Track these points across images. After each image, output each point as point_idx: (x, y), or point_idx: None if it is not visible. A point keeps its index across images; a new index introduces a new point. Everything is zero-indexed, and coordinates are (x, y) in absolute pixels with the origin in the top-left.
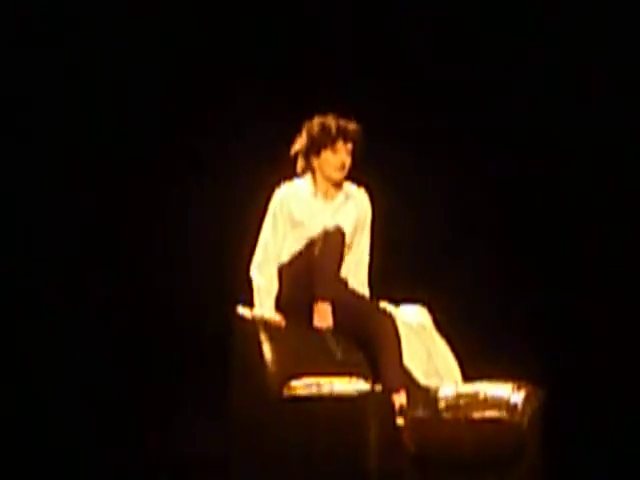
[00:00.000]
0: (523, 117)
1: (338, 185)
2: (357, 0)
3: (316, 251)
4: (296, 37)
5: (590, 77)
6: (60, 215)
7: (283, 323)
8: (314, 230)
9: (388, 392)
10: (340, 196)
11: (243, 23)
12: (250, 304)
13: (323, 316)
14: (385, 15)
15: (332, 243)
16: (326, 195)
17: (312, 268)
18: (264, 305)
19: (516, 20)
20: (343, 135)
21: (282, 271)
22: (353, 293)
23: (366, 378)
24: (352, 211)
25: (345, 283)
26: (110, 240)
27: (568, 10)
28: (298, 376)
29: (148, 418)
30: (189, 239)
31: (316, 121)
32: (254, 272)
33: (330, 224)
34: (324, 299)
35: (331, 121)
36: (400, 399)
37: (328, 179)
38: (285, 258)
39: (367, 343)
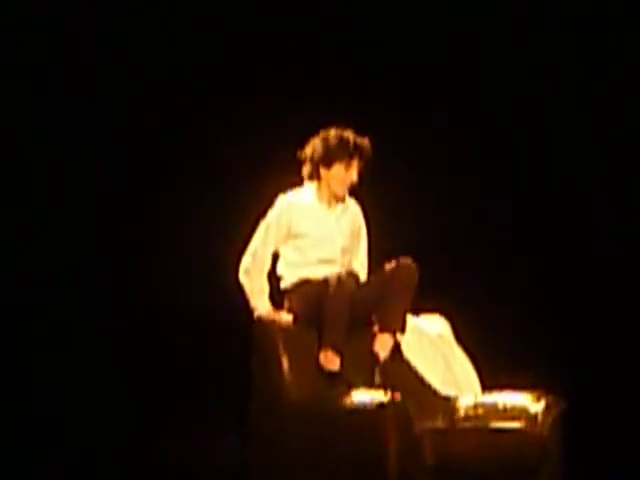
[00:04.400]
0: (527, 121)
1: (341, 198)
2: (357, 6)
3: (330, 292)
4: (298, 47)
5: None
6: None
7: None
8: (318, 238)
9: (386, 331)
10: (341, 204)
11: (252, 29)
12: (246, 307)
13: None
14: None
15: (344, 290)
16: (329, 203)
17: (323, 306)
18: (260, 307)
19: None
20: (359, 152)
21: (301, 286)
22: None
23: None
24: (350, 219)
25: (357, 278)
26: (129, 254)
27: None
28: (318, 387)
29: (168, 431)
30: (207, 255)
31: (335, 133)
32: (243, 277)
33: (334, 232)
34: (328, 347)
35: (350, 136)
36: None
37: (332, 192)
38: (284, 268)
39: (384, 289)
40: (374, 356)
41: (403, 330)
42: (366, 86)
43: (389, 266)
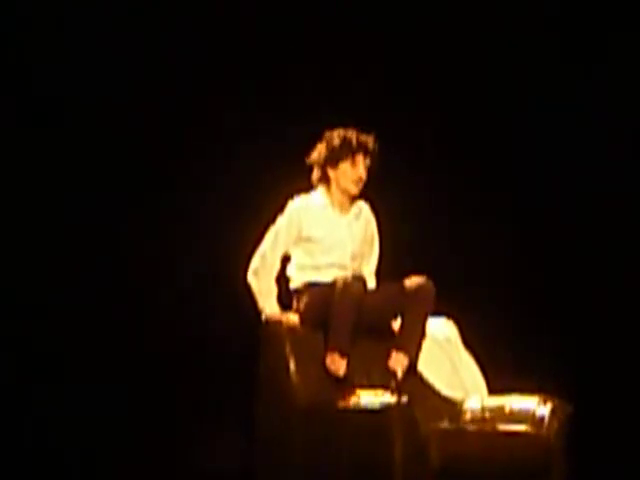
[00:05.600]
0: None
1: (352, 199)
2: (356, 5)
3: (336, 296)
4: (302, 48)
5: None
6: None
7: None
8: (328, 242)
9: (401, 351)
10: (354, 209)
11: (257, 30)
12: (254, 308)
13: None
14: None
15: (350, 294)
16: (341, 207)
17: (329, 309)
18: (268, 308)
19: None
20: (364, 149)
21: (309, 288)
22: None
23: (392, 391)
24: (362, 226)
25: (365, 284)
26: (133, 257)
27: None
28: (324, 388)
29: (172, 433)
30: (214, 256)
31: (337, 133)
32: (252, 278)
33: (345, 237)
34: (334, 351)
35: (352, 134)
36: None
37: (344, 192)
38: (294, 270)
39: (401, 305)
40: (391, 372)
41: (416, 358)
42: (369, 87)
43: (409, 283)
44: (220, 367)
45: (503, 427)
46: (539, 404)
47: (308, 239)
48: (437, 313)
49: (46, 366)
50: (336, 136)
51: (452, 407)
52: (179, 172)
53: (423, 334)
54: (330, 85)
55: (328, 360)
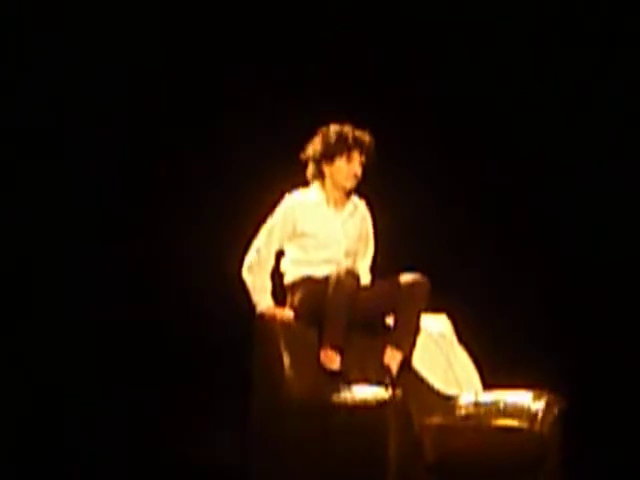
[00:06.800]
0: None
1: (347, 195)
2: (356, 5)
3: (329, 291)
4: (298, 46)
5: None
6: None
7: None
8: (322, 238)
9: (395, 347)
10: (349, 206)
11: (254, 28)
12: (248, 304)
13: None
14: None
15: (343, 289)
16: (336, 204)
17: (323, 304)
18: (262, 303)
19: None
20: (359, 145)
21: (303, 283)
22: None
23: (386, 387)
24: (358, 223)
25: (358, 279)
26: (131, 249)
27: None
28: (318, 383)
29: (167, 429)
30: (214, 256)
31: (333, 129)
32: (246, 274)
33: (339, 233)
34: (328, 346)
35: (348, 130)
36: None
37: (339, 187)
38: (288, 265)
39: (395, 301)
40: (385, 368)
41: (410, 354)
42: (367, 87)
43: (404, 279)
44: (220, 366)
45: (497, 422)
46: (533, 399)
47: (302, 235)
48: (432, 309)
49: (46, 366)
50: (332, 131)
51: (446, 403)
52: (179, 172)
53: (417, 330)
54: (329, 84)
55: (322, 355)
